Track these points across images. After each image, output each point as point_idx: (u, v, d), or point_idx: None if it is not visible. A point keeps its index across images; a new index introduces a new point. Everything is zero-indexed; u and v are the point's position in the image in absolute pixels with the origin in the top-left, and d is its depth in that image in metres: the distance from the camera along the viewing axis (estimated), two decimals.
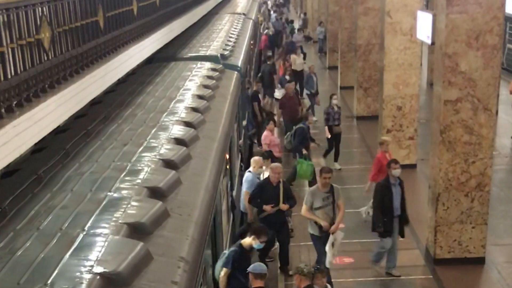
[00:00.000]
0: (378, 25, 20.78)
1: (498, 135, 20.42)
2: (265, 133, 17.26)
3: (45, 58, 7.42)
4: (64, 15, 8.21)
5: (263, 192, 12.43)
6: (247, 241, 9.91)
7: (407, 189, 16.64)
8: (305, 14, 50.30)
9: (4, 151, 5.91)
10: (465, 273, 12.39)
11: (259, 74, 27.23)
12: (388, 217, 12.22)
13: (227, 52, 17.93)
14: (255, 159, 13.86)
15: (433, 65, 14.84)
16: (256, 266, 9.06)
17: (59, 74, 7.87)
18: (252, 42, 27.06)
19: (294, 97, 20.97)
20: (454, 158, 12.34)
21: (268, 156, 14.86)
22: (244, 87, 18.53)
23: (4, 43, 6.35)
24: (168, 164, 7.80)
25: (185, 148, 8.56)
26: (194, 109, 10.78)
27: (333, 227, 11.72)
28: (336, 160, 18.93)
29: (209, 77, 13.83)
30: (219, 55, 16.99)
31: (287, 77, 24.09)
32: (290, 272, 10.03)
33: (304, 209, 11.99)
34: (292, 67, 27.41)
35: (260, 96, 21.34)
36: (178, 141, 8.77)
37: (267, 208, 12.29)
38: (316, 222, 11.85)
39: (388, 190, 12.33)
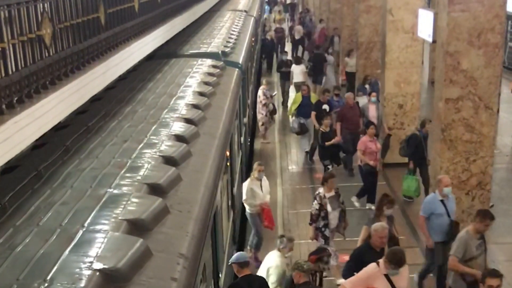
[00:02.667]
0: (380, 23, 20.76)
1: (499, 134, 20.40)
2: (363, 138, 15.93)
3: (46, 54, 7.42)
4: (66, 11, 8.21)
5: (363, 263, 9.23)
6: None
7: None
8: (307, 10, 50.04)
9: (4, 147, 5.91)
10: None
11: (310, 64, 28.17)
12: None
13: (228, 49, 17.92)
14: (440, 178, 11.61)
15: (435, 63, 14.83)
16: (239, 256, 9.37)
17: (60, 70, 7.86)
18: (253, 39, 27.04)
19: (354, 107, 18.71)
20: (455, 157, 12.34)
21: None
22: (245, 84, 18.50)
23: (6, 39, 6.34)
24: (168, 160, 7.79)
25: (185, 144, 8.55)
26: (195, 106, 10.77)
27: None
28: None
29: (210, 74, 13.82)
30: (220, 52, 16.97)
31: (367, 87, 21.69)
32: (290, 268, 9.86)
33: (453, 261, 9.90)
34: (346, 69, 27.33)
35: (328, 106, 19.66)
36: (179, 138, 8.76)
37: None
38: (462, 275, 9.91)
39: None
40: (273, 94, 23.41)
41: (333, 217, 12.29)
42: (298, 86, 25.74)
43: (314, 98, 20.51)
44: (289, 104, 23.77)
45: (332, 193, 12.31)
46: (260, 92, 22.03)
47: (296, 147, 21.18)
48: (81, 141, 8.39)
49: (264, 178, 13.59)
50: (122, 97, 11.18)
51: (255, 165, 13.49)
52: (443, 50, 12.13)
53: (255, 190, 13.22)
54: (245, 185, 13.34)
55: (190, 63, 14.98)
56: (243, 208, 14.52)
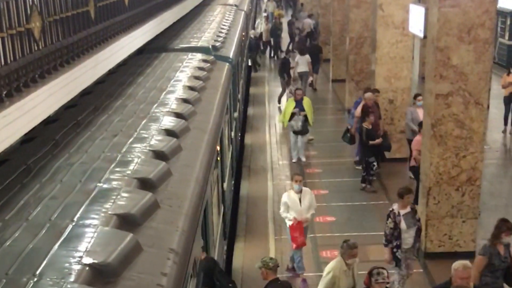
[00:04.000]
0: (370, 18, 20.73)
1: (489, 129, 20.43)
2: (417, 137, 15.14)
3: (36, 48, 7.38)
4: (55, 5, 8.16)
5: None
6: None
7: (398, 183, 16.72)
8: (302, 5, 49.67)
9: None
10: None
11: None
12: None
13: (219, 43, 17.90)
14: None
15: (425, 58, 14.82)
16: None
17: (49, 64, 7.82)
18: (243, 34, 27.02)
19: (374, 108, 17.31)
20: (445, 152, 12.35)
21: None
22: (235, 79, 18.43)
23: None
24: (159, 155, 7.77)
25: (175, 139, 8.53)
26: (185, 100, 10.75)
27: None
28: None
29: (200, 69, 13.79)
30: (210, 46, 16.95)
31: None
32: (256, 266, 9.60)
33: None
34: None
35: None
36: (169, 132, 8.74)
37: None
38: None
39: None
40: (300, 88, 21.59)
41: (408, 236, 11.15)
42: (301, 76, 25.86)
43: (307, 102, 18.94)
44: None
45: (408, 210, 11.17)
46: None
47: (287, 142, 21.14)
48: (71, 135, 8.36)
49: (306, 190, 12.38)
50: (112, 92, 11.14)
51: (292, 175, 12.45)
52: (433, 46, 12.13)
53: (292, 203, 12.12)
54: (283, 197, 12.36)
55: (180, 57, 14.95)
56: (235, 203, 14.51)
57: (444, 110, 12.17)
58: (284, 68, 27.22)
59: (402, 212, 11.09)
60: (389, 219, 11.07)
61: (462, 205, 12.51)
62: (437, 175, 12.46)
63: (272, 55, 37.96)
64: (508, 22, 31.92)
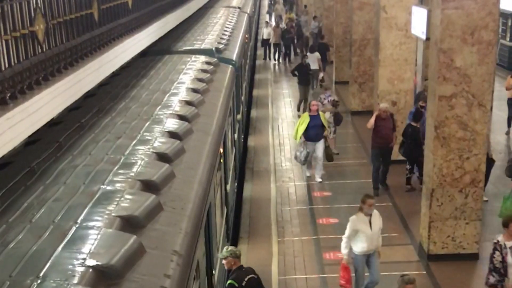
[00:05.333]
0: (373, 20, 20.75)
1: (493, 131, 20.41)
2: None
3: (39, 50, 7.39)
4: (59, 7, 8.18)
5: None
6: None
7: (401, 185, 16.73)
8: (305, 6, 49.56)
9: None
10: (459, 269, 12.41)
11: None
12: None
13: (222, 45, 17.90)
14: None
15: (428, 60, 14.82)
16: None
17: (53, 66, 7.84)
18: (247, 36, 27.05)
19: (387, 120, 16.41)
20: (449, 154, 12.34)
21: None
22: (238, 81, 18.43)
23: None
24: (162, 157, 7.78)
25: (179, 141, 8.55)
26: (188, 103, 10.76)
27: None
28: None
29: (204, 71, 13.81)
30: (213, 48, 16.96)
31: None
32: (220, 255, 9.22)
33: None
34: None
35: None
36: (172, 135, 8.75)
37: None
38: None
39: None
40: (331, 98, 19.90)
41: None
42: (312, 74, 25.99)
43: (323, 116, 17.60)
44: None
45: None
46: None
47: (290, 144, 21.15)
48: (74, 138, 8.37)
49: (376, 213, 11.29)
50: (115, 94, 11.16)
51: (363, 198, 11.19)
52: (436, 48, 12.13)
53: (362, 227, 11.09)
54: (351, 220, 11.19)
55: (183, 59, 14.97)
56: (238, 204, 14.50)
57: (447, 112, 12.17)
58: (303, 74, 25.03)
59: (509, 244, 9.87)
60: (497, 252, 9.87)
61: (466, 207, 12.50)
62: (440, 177, 12.45)
63: (279, 59, 37.51)
64: (510, 24, 31.93)
